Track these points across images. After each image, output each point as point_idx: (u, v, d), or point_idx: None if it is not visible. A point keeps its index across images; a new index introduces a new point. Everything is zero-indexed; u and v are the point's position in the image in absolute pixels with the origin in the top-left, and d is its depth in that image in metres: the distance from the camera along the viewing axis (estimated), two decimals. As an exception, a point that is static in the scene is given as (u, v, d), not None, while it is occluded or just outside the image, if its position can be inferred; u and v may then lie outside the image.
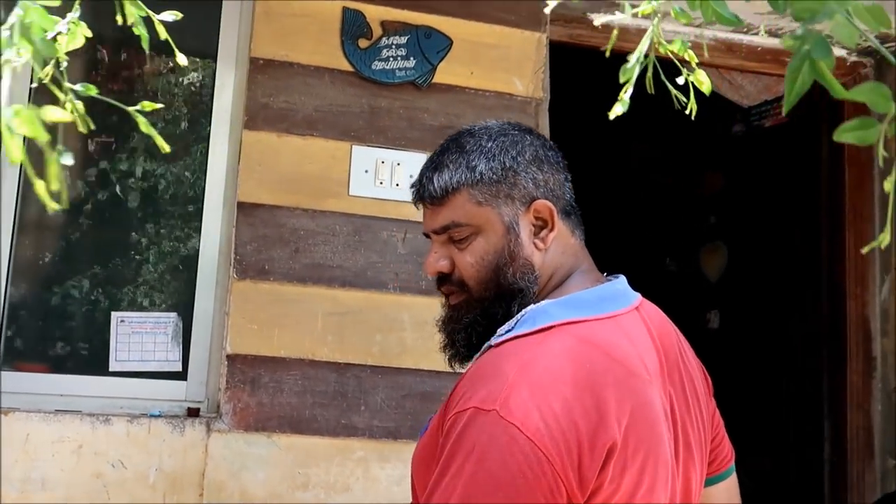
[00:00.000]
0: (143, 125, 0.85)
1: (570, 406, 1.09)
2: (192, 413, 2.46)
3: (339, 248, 2.53)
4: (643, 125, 4.68)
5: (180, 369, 2.53)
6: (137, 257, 2.61)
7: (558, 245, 1.30)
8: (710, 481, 1.39)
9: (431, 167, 1.31)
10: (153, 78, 2.70)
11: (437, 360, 2.47)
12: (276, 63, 2.56)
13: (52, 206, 0.68)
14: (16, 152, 0.66)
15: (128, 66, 2.68)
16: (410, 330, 2.53)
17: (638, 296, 1.34)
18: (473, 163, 1.27)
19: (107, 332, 2.53)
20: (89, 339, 2.55)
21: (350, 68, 2.59)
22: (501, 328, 1.25)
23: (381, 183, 2.55)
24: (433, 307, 2.48)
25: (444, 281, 1.32)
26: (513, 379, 1.10)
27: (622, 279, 1.35)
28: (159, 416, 2.42)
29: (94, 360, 2.53)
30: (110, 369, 2.50)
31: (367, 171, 2.56)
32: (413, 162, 2.57)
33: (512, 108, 2.70)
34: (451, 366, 1.35)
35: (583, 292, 1.26)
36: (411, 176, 2.55)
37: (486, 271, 1.27)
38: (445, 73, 2.66)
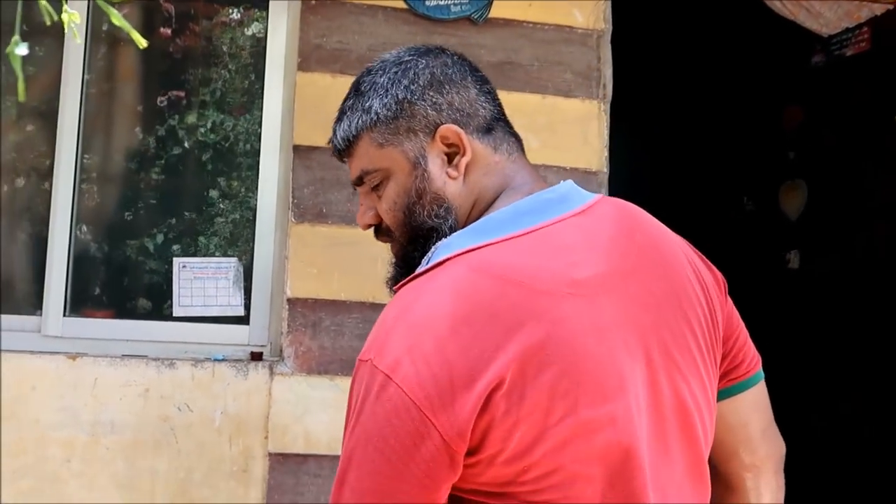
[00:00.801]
0: (115, 18, 0.82)
1: (443, 345, 1.03)
2: (256, 357, 2.48)
3: (397, 189, 2.50)
4: (718, 59, 4.52)
5: (243, 314, 2.55)
6: (199, 205, 2.62)
7: (478, 168, 1.20)
8: (734, 389, 1.30)
9: (336, 118, 1.25)
10: (216, 30, 2.68)
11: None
12: (328, 2, 2.51)
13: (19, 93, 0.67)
14: None
15: (192, 18, 2.67)
16: (471, 271, 2.49)
17: (589, 198, 1.21)
18: (367, 103, 1.20)
19: (170, 279, 2.55)
20: (153, 286, 2.58)
21: (403, 5, 2.53)
22: (418, 270, 1.17)
23: (439, 122, 2.50)
24: (493, 247, 2.45)
25: (378, 231, 1.27)
26: (390, 324, 1.07)
27: (563, 185, 1.23)
28: (223, 360, 2.44)
29: (159, 306, 2.56)
30: (174, 314, 2.53)
31: (423, 111, 2.50)
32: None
33: (572, 40, 2.61)
34: None
35: (497, 212, 1.17)
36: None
37: (399, 215, 1.21)
38: (502, 7, 2.58)
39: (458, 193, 1.20)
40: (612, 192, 2.59)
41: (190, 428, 2.38)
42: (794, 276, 3.90)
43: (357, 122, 1.21)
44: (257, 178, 2.60)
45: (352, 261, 2.46)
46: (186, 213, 2.62)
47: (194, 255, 2.58)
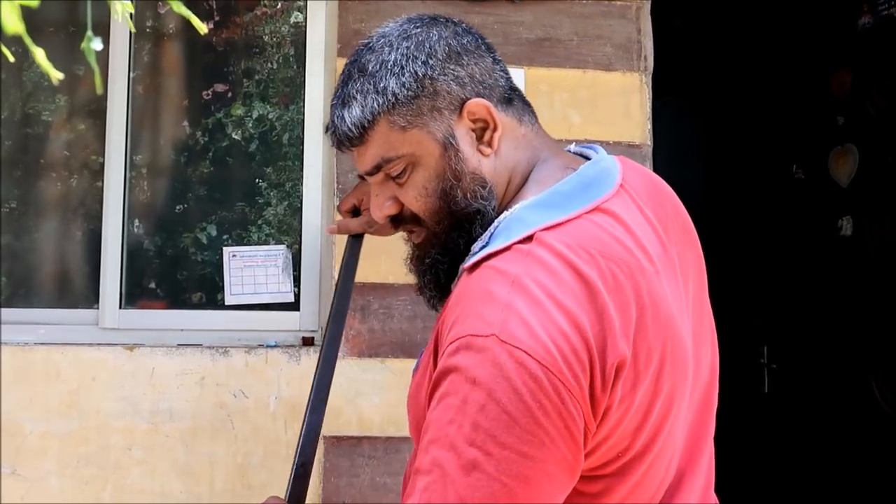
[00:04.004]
0: (176, 6, 0.83)
1: (576, 321, 0.95)
2: (307, 342, 2.51)
3: (440, 171, 2.51)
4: (763, 24, 4.44)
5: (293, 300, 2.58)
6: (247, 196, 2.66)
7: (508, 141, 1.12)
8: None
9: (339, 104, 1.12)
10: (256, 21, 2.71)
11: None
12: (366, -13, 2.53)
13: (55, 74, 0.69)
14: (13, 22, 0.65)
15: (233, 11, 2.70)
16: (517, 250, 2.49)
17: (619, 166, 1.15)
18: (381, 84, 1.08)
19: (220, 268, 2.59)
20: (204, 276, 2.63)
21: (440, -14, 2.53)
22: (474, 246, 1.11)
23: (479, 102, 2.49)
24: (539, 225, 2.44)
25: (399, 221, 1.18)
26: (506, 298, 0.96)
27: (599, 153, 1.17)
28: (275, 346, 2.47)
29: (211, 296, 2.61)
30: (226, 303, 2.57)
31: (463, 91, 2.50)
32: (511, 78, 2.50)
33: (611, 13, 2.59)
34: (435, 309, 1.22)
35: (559, 185, 1.09)
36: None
37: (433, 201, 1.11)
38: (539, -16, 2.57)
39: (494, 171, 1.12)
40: (657, 164, 2.57)
41: (246, 413, 2.42)
42: (847, 243, 3.84)
43: (372, 106, 1.09)
44: (303, 166, 2.62)
45: (398, 244, 2.47)
46: (235, 205, 2.66)
47: (244, 244, 2.62)
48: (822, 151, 3.99)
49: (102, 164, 2.60)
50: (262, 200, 2.65)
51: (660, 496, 1.07)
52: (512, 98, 1.16)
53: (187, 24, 2.74)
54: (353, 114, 1.09)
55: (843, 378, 3.71)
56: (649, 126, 2.57)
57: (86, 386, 2.39)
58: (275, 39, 2.70)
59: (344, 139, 1.12)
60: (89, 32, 0.68)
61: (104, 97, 2.60)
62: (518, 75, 2.50)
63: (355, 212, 1.62)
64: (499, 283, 0.99)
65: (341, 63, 2.50)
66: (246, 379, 2.42)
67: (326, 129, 1.16)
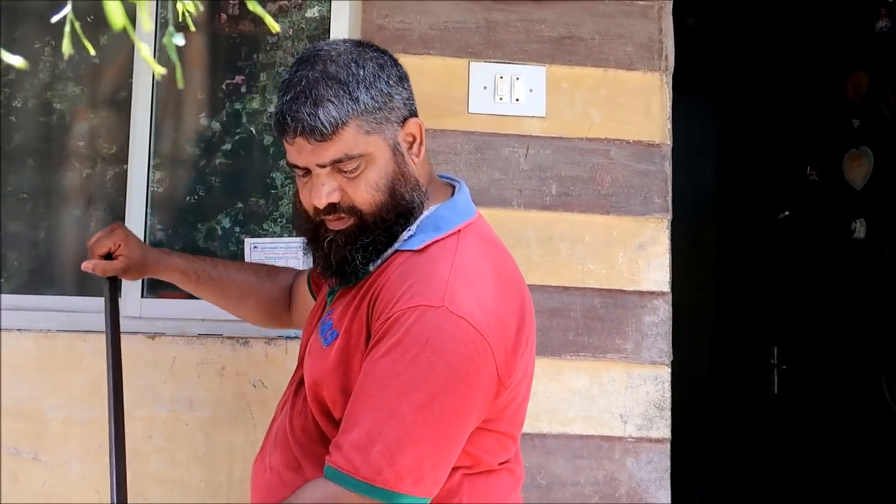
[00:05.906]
0: (251, 3, 0.85)
1: (496, 299, 1.29)
2: (326, 334, 2.53)
3: (461, 166, 2.52)
4: (780, 26, 4.45)
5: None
6: (266, 189, 2.68)
7: (423, 156, 1.43)
8: None
9: (310, 103, 1.30)
10: (278, 14, 2.73)
11: (564, 276, 2.46)
12: (390, -17, 2.54)
13: (158, 69, 0.73)
14: (118, 17, 0.68)
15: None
16: (536, 246, 2.50)
17: None
18: (355, 93, 1.31)
19: (240, 259, 2.61)
20: (226, 266, 2.65)
21: (463, -17, 2.55)
22: (403, 234, 1.38)
23: (501, 99, 2.51)
24: (558, 222, 2.46)
25: (332, 210, 1.36)
26: (451, 278, 1.27)
27: (460, 182, 1.51)
28: (295, 337, 2.49)
29: (232, 286, 2.63)
30: (247, 294, 2.59)
31: (485, 88, 2.52)
32: (532, 75, 2.52)
33: (633, 13, 2.60)
34: (338, 284, 1.44)
35: (457, 196, 1.44)
36: (531, 90, 2.50)
37: (381, 195, 1.34)
38: (562, -18, 2.58)
39: (419, 176, 1.41)
40: (675, 164, 2.58)
41: (265, 404, 2.44)
42: (861, 245, 3.85)
43: (346, 110, 1.30)
44: (323, 159, 2.64)
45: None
46: (250, 197, 2.68)
47: (259, 237, 2.64)
48: (836, 153, 4.00)
49: (124, 155, 2.62)
50: (277, 193, 2.67)
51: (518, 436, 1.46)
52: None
53: (208, 16, 2.76)
54: (329, 112, 1.29)
55: (852, 379, 3.72)
56: (669, 126, 2.58)
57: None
58: (296, 33, 2.72)
59: (313, 131, 1.30)
60: (171, 28, 0.70)
61: (129, 88, 2.62)
62: (539, 73, 2.52)
63: (108, 256, 1.90)
64: (444, 266, 1.30)
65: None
66: (266, 369, 2.44)
67: (280, 119, 1.32)
